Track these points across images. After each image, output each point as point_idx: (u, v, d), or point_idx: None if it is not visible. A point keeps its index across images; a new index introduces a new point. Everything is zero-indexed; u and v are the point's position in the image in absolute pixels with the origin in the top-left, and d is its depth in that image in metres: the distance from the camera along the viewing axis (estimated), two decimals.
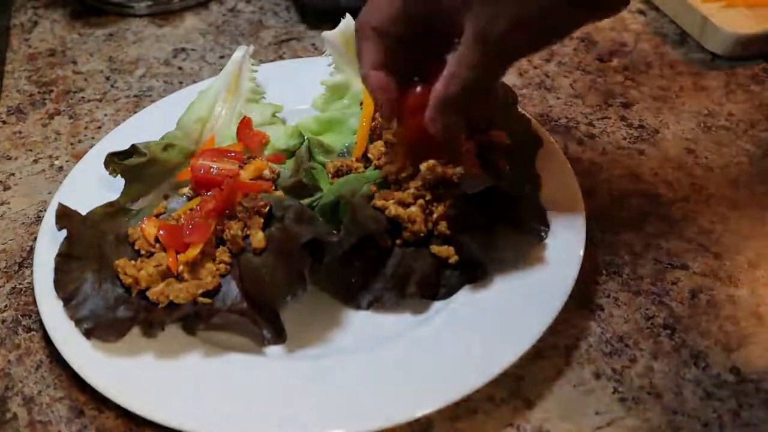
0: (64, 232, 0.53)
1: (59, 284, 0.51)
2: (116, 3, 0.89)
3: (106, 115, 0.74)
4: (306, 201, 0.56)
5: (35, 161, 0.69)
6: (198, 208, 0.54)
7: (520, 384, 0.48)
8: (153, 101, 0.73)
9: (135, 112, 0.70)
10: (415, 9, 0.47)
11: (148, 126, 0.65)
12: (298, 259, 0.49)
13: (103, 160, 0.58)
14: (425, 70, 0.49)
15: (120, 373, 0.47)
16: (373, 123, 0.60)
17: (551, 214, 0.52)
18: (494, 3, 0.42)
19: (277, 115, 0.66)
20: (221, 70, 0.67)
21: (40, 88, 0.78)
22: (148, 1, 0.88)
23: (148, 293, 0.50)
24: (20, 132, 0.72)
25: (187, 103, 0.65)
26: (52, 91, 0.78)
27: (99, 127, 0.72)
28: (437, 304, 0.51)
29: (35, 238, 0.57)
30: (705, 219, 0.59)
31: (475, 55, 0.44)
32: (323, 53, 0.65)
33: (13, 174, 0.67)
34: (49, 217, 0.55)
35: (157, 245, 0.53)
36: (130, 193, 0.58)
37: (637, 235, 0.58)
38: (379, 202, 0.54)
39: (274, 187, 0.57)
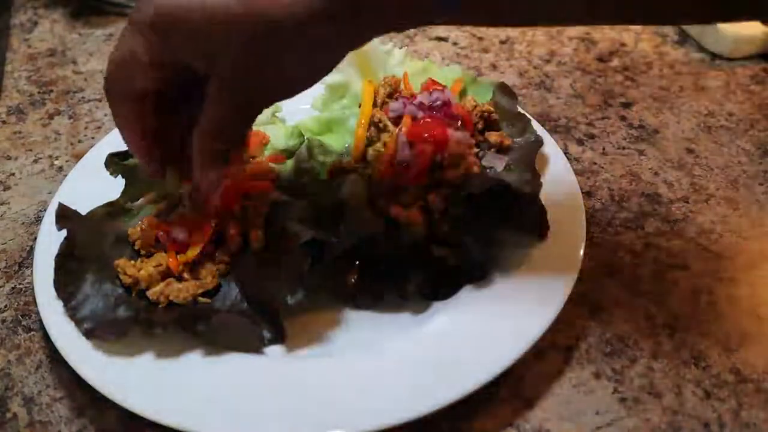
0: (64, 232, 0.53)
1: (59, 284, 0.50)
2: (116, 3, 0.89)
3: (106, 115, 0.74)
4: (306, 201, 0.56)
5: (35, 161, 0.69)
6: None
7: (520, 384, 0.48)
8: None
9: None
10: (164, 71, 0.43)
11: None
12: (298, 259, 0.49)
13: (103, 160, 0.58)
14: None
15: (120, 373, 0.47)
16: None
17: (551, 214, 0.52)
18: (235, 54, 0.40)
19: (277, 115, 0.66)
20: None
21: (40, 88, 0.78)
22: None
23: (148, 293, 0.50)
24: (20, 132, 0.72)
25: None
26: (52, 91, 0.78)
27: (99, 127, 0.72)
28: (437, 304, 0.51)
29: (35, 238, 0.57)
30: (705, 219, 0.59)
31: (219, 108, 0.43)
32: None
33: (13, 174, 0.67)
34: (49, 217, 0.55)
35: (157, 245, 0.53)
36: (130, 193, 0.58)
37: (637, 235, 0.58)
38: (379, 203, 0.54)
39: (274, 187, 0.57)
